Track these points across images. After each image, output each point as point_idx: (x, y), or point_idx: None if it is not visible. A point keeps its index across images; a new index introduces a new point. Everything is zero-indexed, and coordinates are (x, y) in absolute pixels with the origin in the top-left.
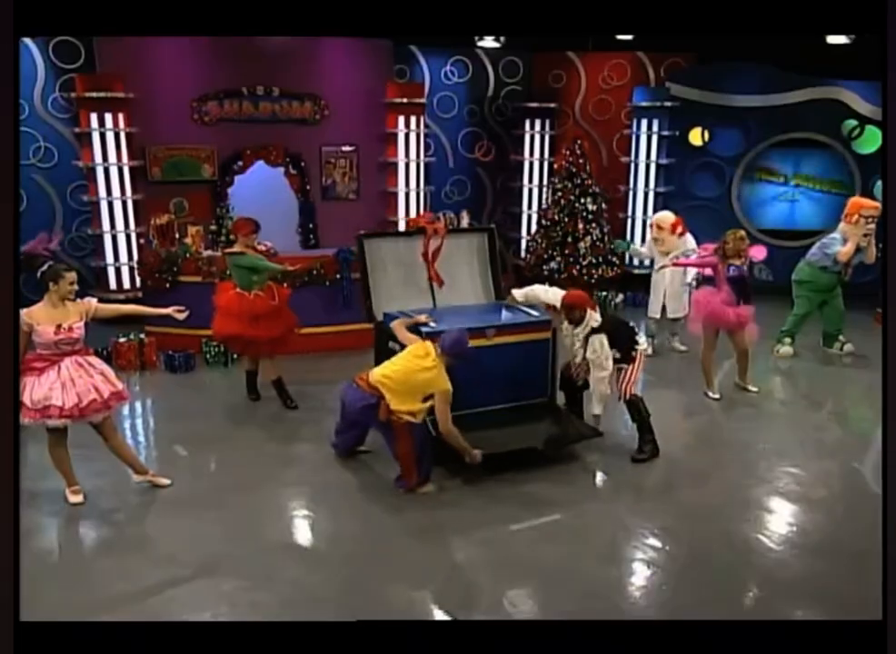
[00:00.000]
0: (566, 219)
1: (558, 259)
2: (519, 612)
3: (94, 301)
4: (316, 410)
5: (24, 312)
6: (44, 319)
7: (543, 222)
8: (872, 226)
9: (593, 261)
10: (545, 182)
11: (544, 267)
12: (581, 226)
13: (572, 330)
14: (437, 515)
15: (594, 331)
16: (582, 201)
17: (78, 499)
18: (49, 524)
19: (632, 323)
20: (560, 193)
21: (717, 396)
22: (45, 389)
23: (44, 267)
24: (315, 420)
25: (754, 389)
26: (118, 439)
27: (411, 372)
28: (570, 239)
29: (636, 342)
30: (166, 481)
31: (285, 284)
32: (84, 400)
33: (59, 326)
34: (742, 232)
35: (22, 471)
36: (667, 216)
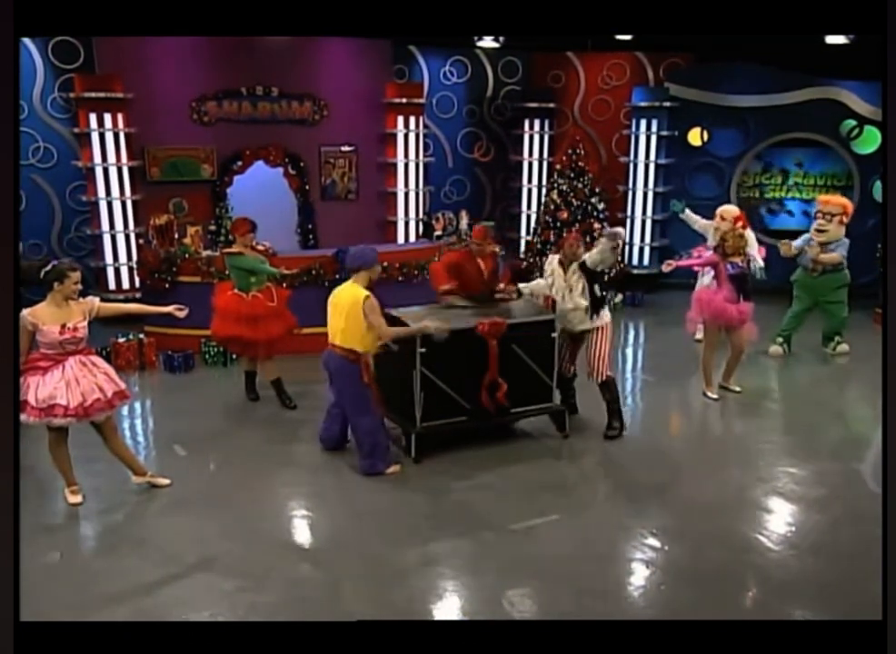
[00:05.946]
0: (580, 219)
1: None
2: (518, 612)
3: (96, 300)
4: (315, 410)
5: (27, 311)
6: (48, 319)
7: (554, 223)
8: (823, 221)
9: None
10: (544, 182)
11: None
12: (596, 226)
13: (561, 271)
14: (436, 516)
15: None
16: (593, 200)
17: (77, 499)
18: (48, 524)
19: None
20: (571, 193)
21: (716, 396)
22: (50, 388)
23: (48, 267)
24: (314, 420)
25: (737, 388)
26: (118, 440)
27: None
28: (587, 239)
29: (602, 305)
30: (165, 481)
31: (284, 285)
32: (88, 399)
33: (64, 326)
34: (742, 231)
35: (21, 471)
36: (731, 209)
